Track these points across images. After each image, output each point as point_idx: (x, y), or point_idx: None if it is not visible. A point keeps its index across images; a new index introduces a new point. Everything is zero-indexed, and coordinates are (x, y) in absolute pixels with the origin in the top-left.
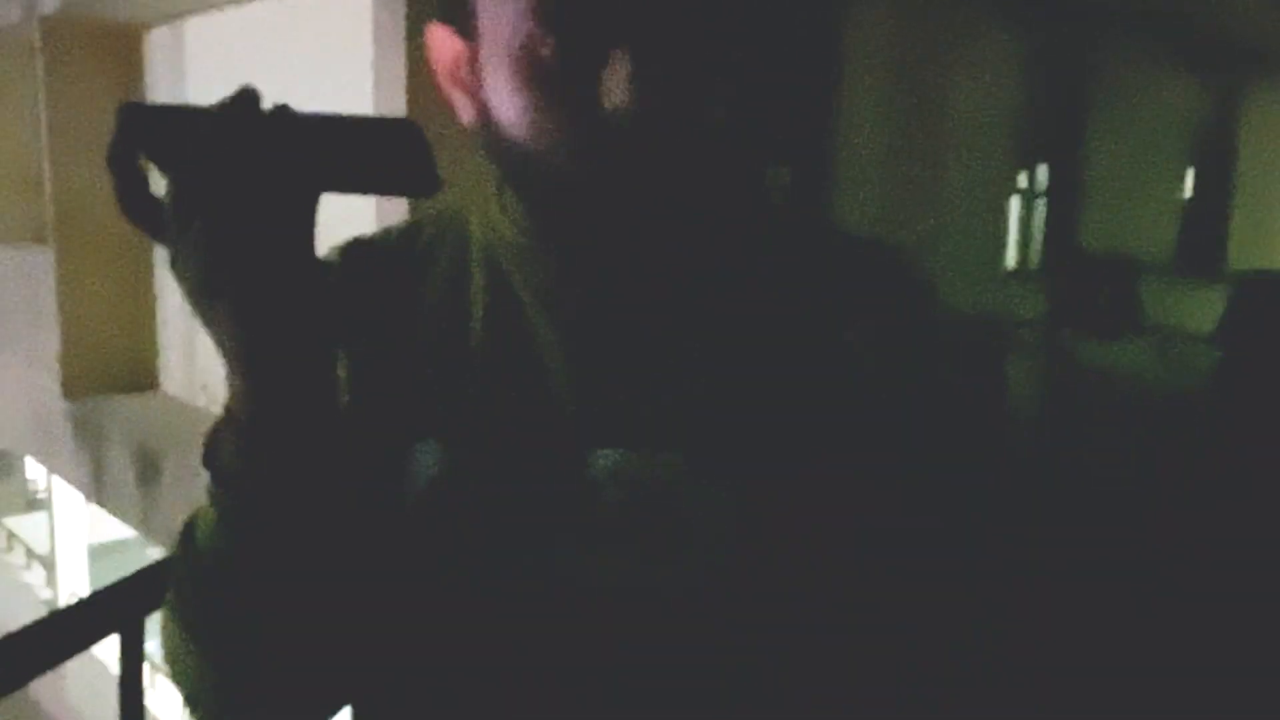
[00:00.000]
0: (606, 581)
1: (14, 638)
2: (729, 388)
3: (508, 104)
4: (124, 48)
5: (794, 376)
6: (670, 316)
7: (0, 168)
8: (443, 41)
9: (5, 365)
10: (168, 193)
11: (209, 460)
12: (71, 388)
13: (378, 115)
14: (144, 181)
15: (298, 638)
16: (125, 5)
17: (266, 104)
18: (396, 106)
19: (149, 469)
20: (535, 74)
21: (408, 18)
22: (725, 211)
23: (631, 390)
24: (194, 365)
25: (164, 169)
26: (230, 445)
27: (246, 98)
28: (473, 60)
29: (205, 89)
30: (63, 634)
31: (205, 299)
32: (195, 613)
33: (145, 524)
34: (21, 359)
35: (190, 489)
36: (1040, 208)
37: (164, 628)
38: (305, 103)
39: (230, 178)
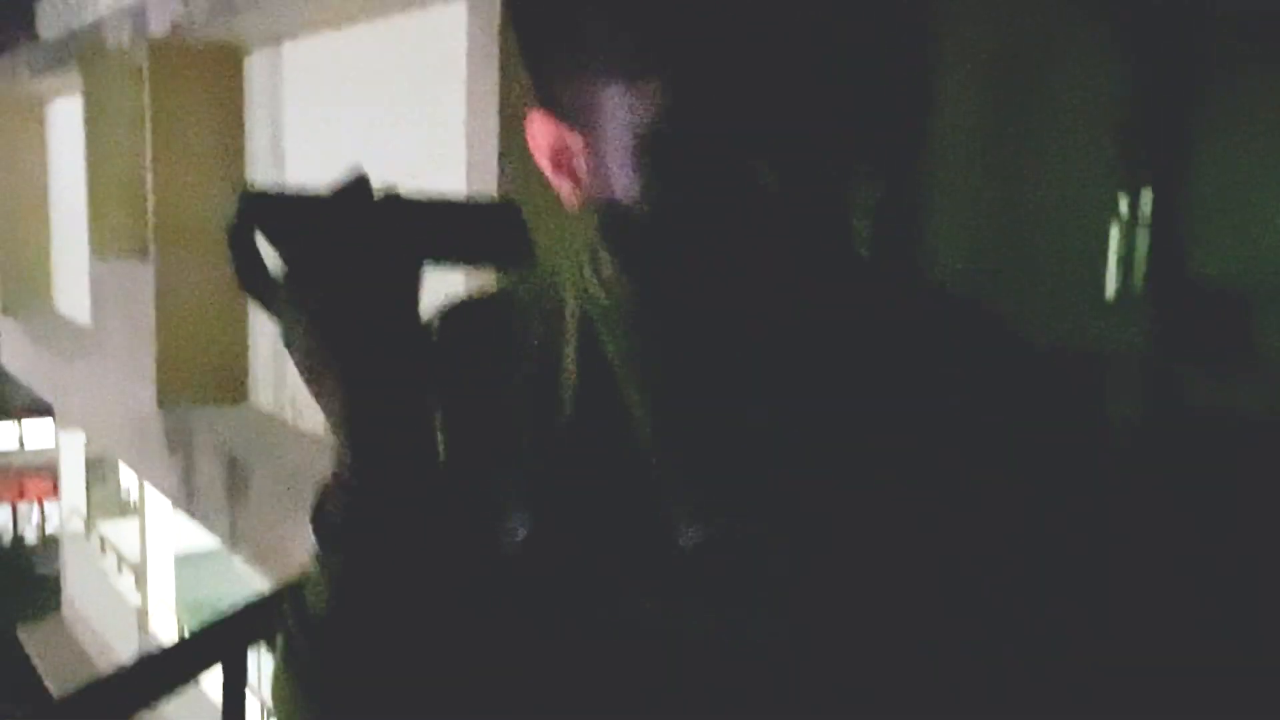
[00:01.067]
0: (691, 648)
1: (125, 671)
2: (817, 456)
3: (618, 185)
4: (225, 70)
5: (890, 443)
6: (760, 383)
7: (106, 184)
8: (546, 130)
9: (107, 372)
10: (283, 272)
11: (317, 525)
12: (165, 396)
13: (478, 197)
14: (260, 259)
15: (405, 693)
16: (228, 29)
17: (372, 175)
18: (489, 131)
19: (236, 480)
20: (653, 159)
21: (501, 43)
22: (822, 275)
23: (719, 459)
24: (283, 381)
25: (279, 249)
26: (337, 509)
27: (359, 186)
28: (583, 146)
29: (301, 111)
30: (170, 666)
31: (315, 371)
32: (308, 669)
33: (231, 535)
34: (122, 366)
35: (277, 503)
36: (1146, 230)
37: (275, 678)
38: (400, 127)
39: (341, 261)
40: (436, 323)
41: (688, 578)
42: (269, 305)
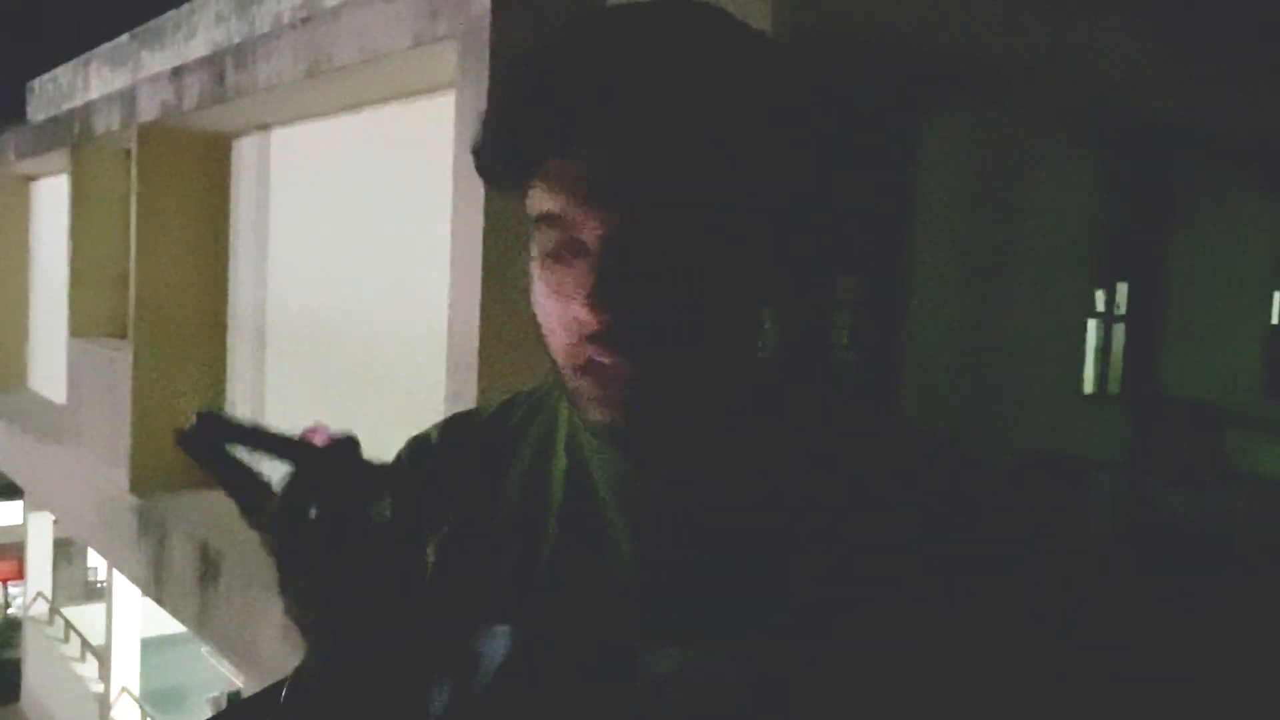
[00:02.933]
0: None
1: None
2: (789, 590)
3: (533, 302)
4: (213, 155)
5: (857, 578)
6: (732, 515)
7: (89, 265)
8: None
9: (80, 455)
10: (273, 535)
11: (294, 692)
12: (139, 482)
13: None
14: (236, 465)
15: None
16: (217, 116)
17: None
18: (474, 218)
19: (207, 567)
20: (543, 277)
21: None
22: (783, 407)
23: (693, 589)
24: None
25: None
26: (315, 678)
27: (345, 450)
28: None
29: (288, 196)
30: None
31: (302, 612)
32: None
33: (200, 621)
34: (95, 450)
35: (247, 589)
36: (1118, 335)
37: None
38: (385, 215)
39: (333, 533)
40: (436, 435)
41: (654, 705)
42: (256, 528)
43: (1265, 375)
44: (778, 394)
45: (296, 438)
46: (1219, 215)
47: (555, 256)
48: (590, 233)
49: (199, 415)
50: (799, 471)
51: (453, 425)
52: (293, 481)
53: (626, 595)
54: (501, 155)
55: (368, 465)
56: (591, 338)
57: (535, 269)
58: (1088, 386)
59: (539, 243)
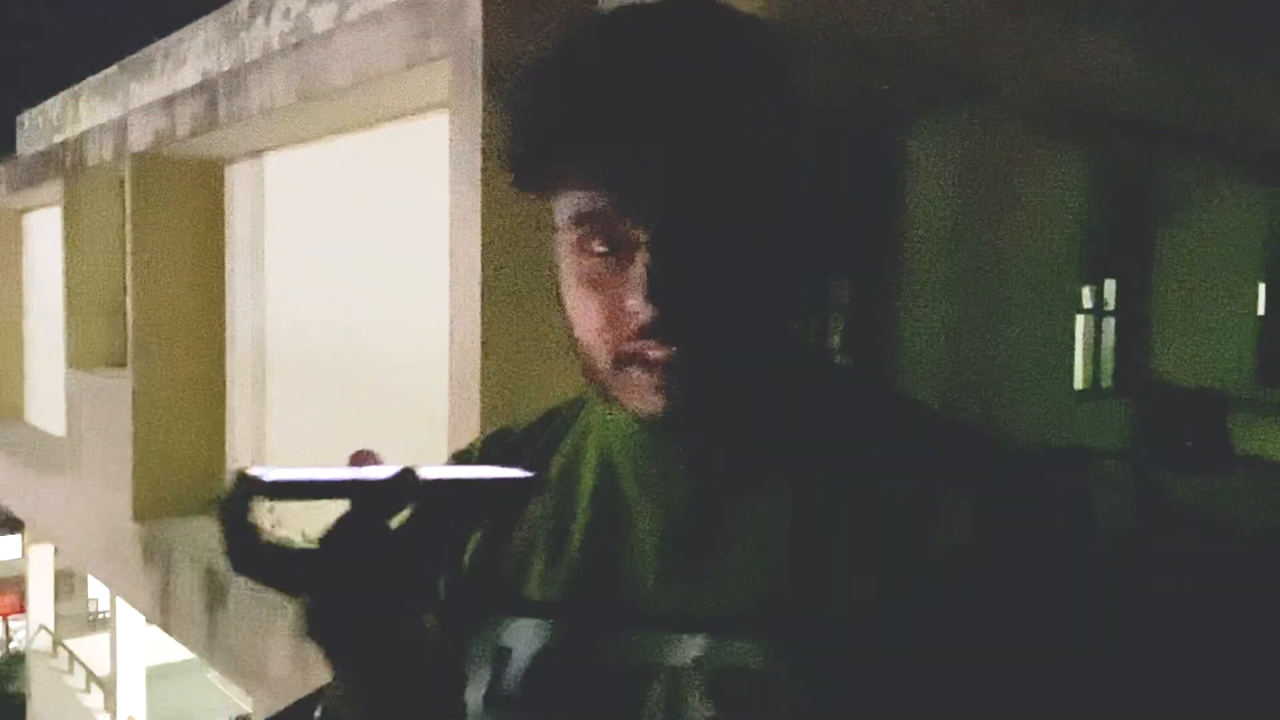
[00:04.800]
0: None
1: None
2: (811, 572)
3: (565, 304)
4: (207, 181)
5: (879, 560)
6: (766, 510)
7: (85, 295)
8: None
9: (81, 485)
10: (295, 585)
11: None
12: (141, 510)
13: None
14: (255, 536)
15: None
16: (210, 143)
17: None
18: (472, 241)
19: (214, 592)
20: (582, 278)
21: (485, 155)
22: (797, 388)
23: (719, 580)
24: None
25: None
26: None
27: (404, 486)
28: (563, 275)
29: (283, 221)
30: None
31: (319, 641)
32: None
33: (208, 648)
34: (96, 479)
35: (255, 612)
36: (1109, 330)
37: None
38: (382, 237)
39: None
40: (479, 448)
41: (681, 697)
42: (264, 582)
43: (1256, 364)
44: (811, 385)
45: (347, 472)
46: (1205, 210)
47: (595, 254)
48: (636, 229)
49: (238, 476)
50: (833, 460)
51: (493, 439)
52: (351, 522)
53: (653, 589)
54: (537, 158)
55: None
56: (643, 331)
57: (569, 268)
58: (1080, 383)
59: (574, 242)
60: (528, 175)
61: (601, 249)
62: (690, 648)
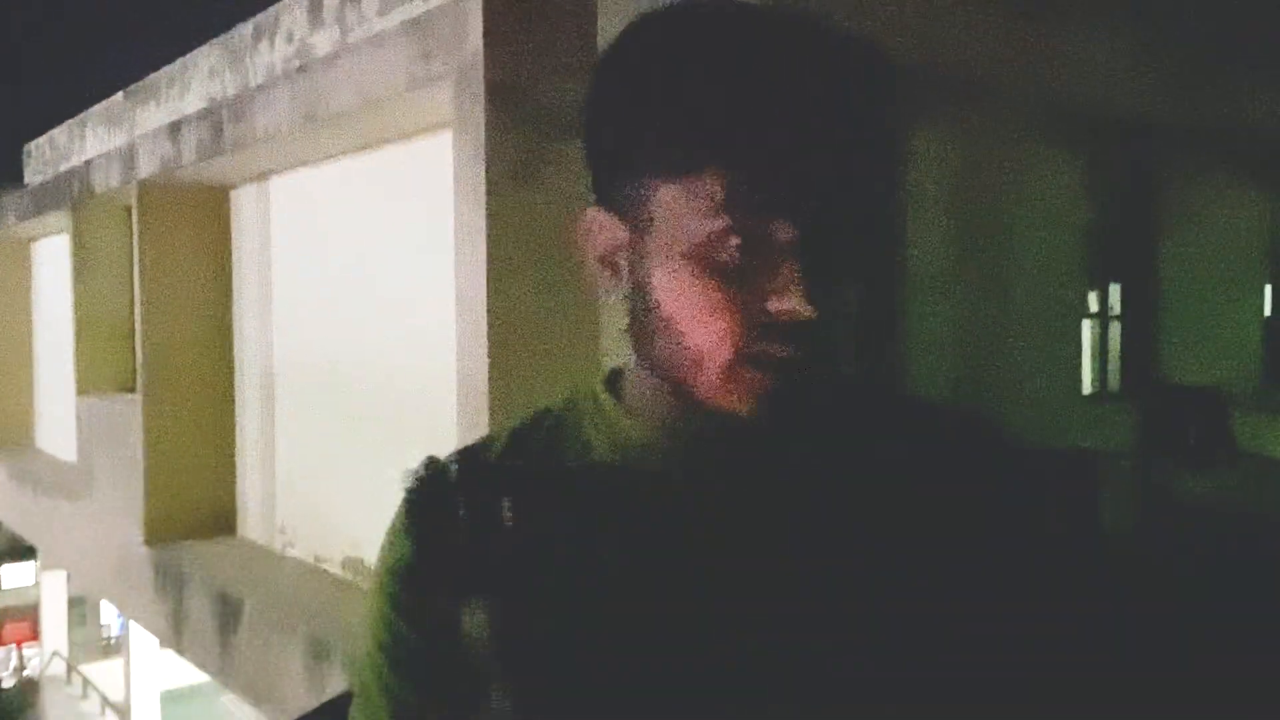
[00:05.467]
0: None
1: None
2: (842, 571)
3: (669, 293)
4: (213, 206)
5: (898, 550)
6: (781, 502)
7: (93, 322)
8: (603, 226)
9: (93, 511)
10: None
11: None
12: (153, 534)
13: None
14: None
15: None
16: (215, 168)
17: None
18: (477, 259)
19: (227, 615)
20: (710, 270)
21: (488, 174)
22: (838, 389)
23: (755, 579)
24: (272, 510)
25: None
26: None
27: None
28: (636, 248)
29: (290, 242)
30: None
31: None
32: None
33: (222, 670)
34: (108, 505)
35: (269, 634)
36: (1115, 334)
37: None
38: (388, 257)
39: None
40: (455, 475)
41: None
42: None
43: (1263, 365)
44: (849, 388)
45: None
46: (1208, 212)
47: (730, 249)
48: (787, 228)
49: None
50: (870, 459)
51: (472, 465)
52: None
53: (688, 600)
54: (687, 146)
55: None
56: (772, 329)
57: (692, 259)
58: (1087, 387)
59: (709, 234)
60: (649, 164)
61: (736, 244)
62: (736, 646)
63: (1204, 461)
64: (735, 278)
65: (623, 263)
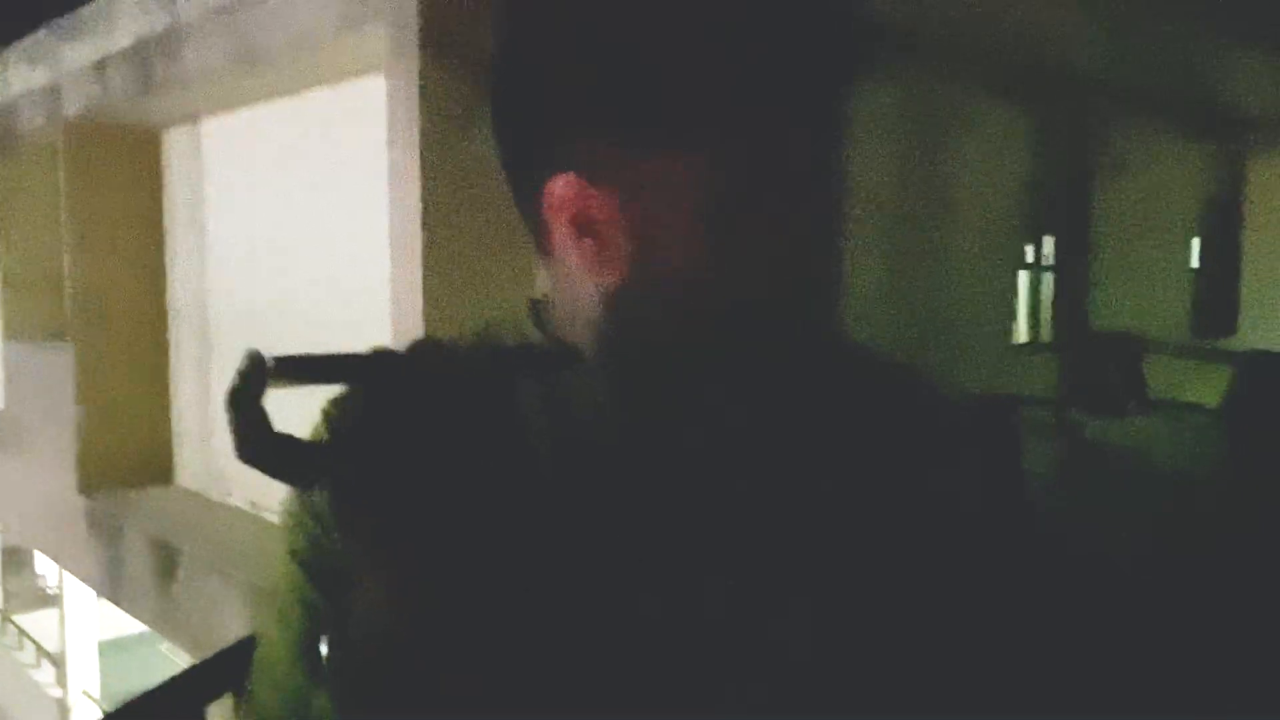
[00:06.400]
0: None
1: None
2: (779, 515)
3: (660, 250)
4: (143, 149)
5: (830, 501)
6: (710, 453)
7: (23, 266)
8: (572, 191)
9: (25, 463)
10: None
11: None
12: (87, 483)
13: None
14: (265, 424)
15: None
16: (144, 109)
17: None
18: (411, 205)
19: (164, 563)
20: (710, 231)
21: (421, 115)
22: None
23: (669, 532)
24: (209, 458)
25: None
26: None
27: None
28: (620, 212)
29: (222, 187)
30: None
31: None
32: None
33: (160, 619)
34: (40, 453)
35: (207, 583)
36: (1047, 285)
37: None
38: (322, 200)
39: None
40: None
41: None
42: (274, 474)
43: (1190, 317)
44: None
45: (361, 349)
46: (1141, 165)
47: (768, 193)
48: (822, 175)
49: (247, 357)
50: (804, 412)
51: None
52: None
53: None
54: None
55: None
56: (784, 281)
57: (699, 216)
58: (1020, 336)
59: (718, 188)
60: (695, 103)
61: (773, 188)
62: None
63: (1117, 408)
64: (758, 225)
65: (599, 230)
